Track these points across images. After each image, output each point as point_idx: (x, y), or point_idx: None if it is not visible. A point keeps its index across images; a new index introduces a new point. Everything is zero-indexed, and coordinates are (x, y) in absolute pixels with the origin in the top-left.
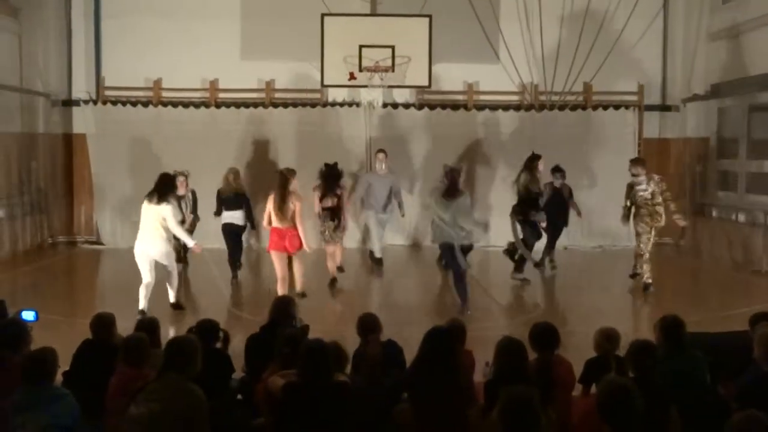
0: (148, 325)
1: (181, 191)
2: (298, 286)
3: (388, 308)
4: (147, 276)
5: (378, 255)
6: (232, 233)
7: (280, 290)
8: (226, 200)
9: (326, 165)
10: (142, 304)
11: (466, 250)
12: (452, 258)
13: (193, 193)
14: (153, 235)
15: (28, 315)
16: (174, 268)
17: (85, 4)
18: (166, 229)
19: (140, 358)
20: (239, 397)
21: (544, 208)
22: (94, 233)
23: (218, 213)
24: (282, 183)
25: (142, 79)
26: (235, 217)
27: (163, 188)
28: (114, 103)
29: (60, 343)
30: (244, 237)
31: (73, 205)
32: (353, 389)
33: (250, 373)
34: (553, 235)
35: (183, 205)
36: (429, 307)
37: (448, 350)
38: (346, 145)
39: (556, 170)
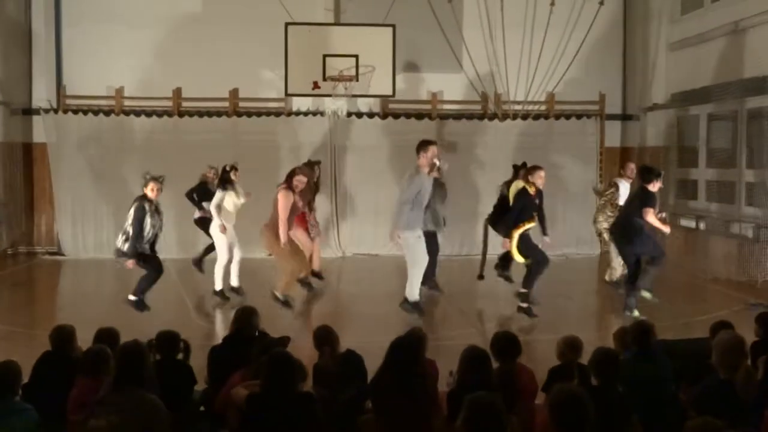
0: (107, 336)
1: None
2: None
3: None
4: (225, 255)
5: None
6: None
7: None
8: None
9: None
10: (219, 285)
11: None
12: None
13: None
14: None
15: None
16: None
17: (46, 11)
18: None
19: (99, 370)
20: (202, 408)
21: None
22: (55, 244)
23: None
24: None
25: (103, 87)
26: None
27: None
28: (75, 111)
29: (19, 355)
30: None
31: (33, 216)
32: (317, 401)
33: (212, 385)
34: None
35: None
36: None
37: (413, 359)
38: (311, 155)
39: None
